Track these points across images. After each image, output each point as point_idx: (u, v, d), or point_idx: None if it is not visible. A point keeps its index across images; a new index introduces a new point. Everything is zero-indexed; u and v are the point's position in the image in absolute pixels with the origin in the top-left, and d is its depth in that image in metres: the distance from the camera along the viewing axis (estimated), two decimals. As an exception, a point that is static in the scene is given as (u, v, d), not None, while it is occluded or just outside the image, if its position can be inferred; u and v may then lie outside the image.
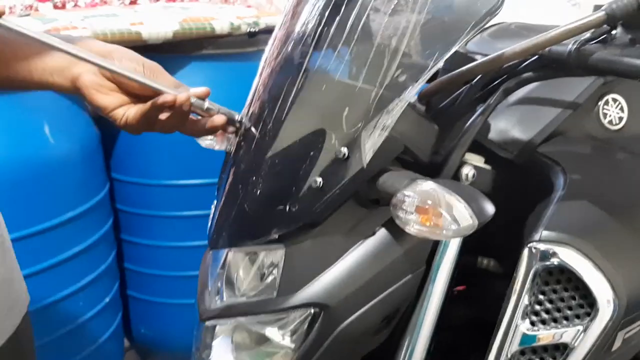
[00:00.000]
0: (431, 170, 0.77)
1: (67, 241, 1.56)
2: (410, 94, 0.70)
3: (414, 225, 0.65)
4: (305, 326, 0.74)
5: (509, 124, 0.89)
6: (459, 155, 0.77)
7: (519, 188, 0.86)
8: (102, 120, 1.71)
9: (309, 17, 0.78)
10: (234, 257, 0.80)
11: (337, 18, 0.74)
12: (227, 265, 0.81)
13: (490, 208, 0.64)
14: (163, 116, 0.79)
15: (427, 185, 0.65)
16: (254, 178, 0.76)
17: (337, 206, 0.73)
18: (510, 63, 0.78)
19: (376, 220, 0.76)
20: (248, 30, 1.30)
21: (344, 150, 0.71)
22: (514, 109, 0.90)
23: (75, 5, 1.95)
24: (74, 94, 0.80)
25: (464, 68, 0.76)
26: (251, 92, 0.87)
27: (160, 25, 1.63)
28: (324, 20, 0.75)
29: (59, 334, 1.57)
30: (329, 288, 0.74)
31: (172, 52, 1.69)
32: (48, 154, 1.49)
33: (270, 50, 0.88)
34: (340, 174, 0.71)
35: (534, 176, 0.88)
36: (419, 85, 0.70)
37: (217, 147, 0.88)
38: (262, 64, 0.89)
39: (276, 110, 0.76)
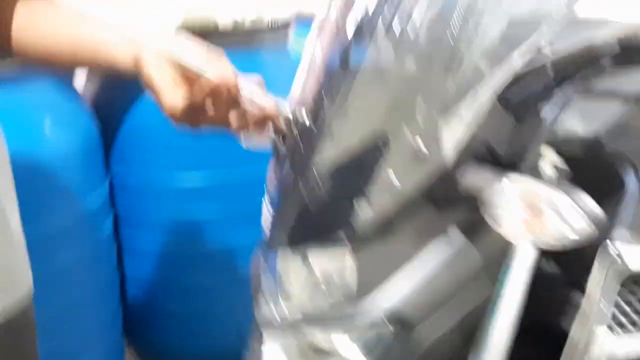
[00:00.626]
0: (506, 165, 0.69)
1: (67, 242, 1.45)
2: (494, 82, 0.62)
3: (515, 229, 0.57)
4: (380, 340, 0.65)
5: (570, 116, 0.81)
6: (537, 149, 0.69)
7: (581, 184, 0.79)
8: (101, 114, 1.61)
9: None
10: (289, 259, 0.71)
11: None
12: (281, 269, 0.71)
13: (599, 211, 0.56)
14: (210, 107, 0.71)
15: (531, 184, 0.57)
16: (317, 175, 0.67)
17: (411, 204, 0.65)
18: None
19: (449, 219, 0.68)
20: (270, 23, 1.21)
21: (420, 143, 0.62)
22: (575, 100, 0.82)
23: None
24: (129, 69, 0.74)
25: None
26: (299, 85, 0.79)
27: (161, 19, 1.53)
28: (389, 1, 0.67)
29: (58, 341, 1.46)
30: (406, 299, 0.65)
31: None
32: (48, 149, 1.39)
33: (317, 39, 0.79)
34: (417, 169, 0.63)
35: (599, 171, 0.80)
36: (504, 72, 0.61)
37: (259, 144, 0.79)
38: (308, 55, 0.80)
39: (337, 103, 0.67)
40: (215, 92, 0.69)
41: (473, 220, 0.69)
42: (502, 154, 0.67)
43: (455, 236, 0.68)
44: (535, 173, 0.68)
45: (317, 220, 0.67)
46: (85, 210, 1.49)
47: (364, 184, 0.64)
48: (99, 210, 1.56)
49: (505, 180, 0.58)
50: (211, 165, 1.66)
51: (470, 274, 0.68)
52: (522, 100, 0.70)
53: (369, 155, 0.64)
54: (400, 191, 0.63)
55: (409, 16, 0.65)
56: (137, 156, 1.68)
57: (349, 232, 0.65)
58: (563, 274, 0.83)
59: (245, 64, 1.63)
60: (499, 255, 0.68)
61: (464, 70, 0.62)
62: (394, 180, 0.63)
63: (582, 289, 0.82)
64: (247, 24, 1.65)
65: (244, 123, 0.72)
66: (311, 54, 0.79)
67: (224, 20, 1.60)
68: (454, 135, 0.62)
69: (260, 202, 1.74)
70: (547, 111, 0.69)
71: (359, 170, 0.65)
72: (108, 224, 1.62)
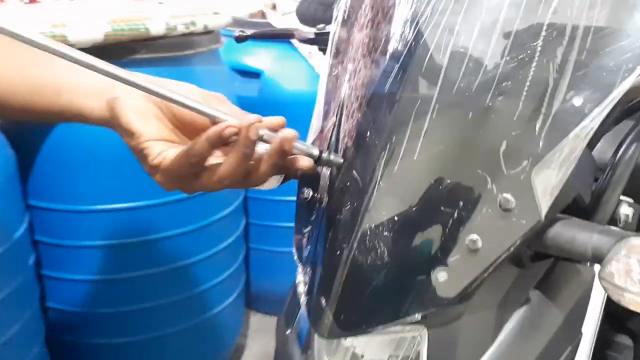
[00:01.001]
0: (587, 213, 0.58)
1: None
2: (593, 122, 0.51)
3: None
4: None
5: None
6: (617, 193, 0.59)
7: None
8: (16, 143, 1.38)
9: (426, 16, 0.56)
10: (334, 342, 0.57)
11: (477, 20, 0.54)
12: (322, 352, 0.58)
13: None
14: (215, 158, 0.56)
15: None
16: (375, 238, 0.54)
17: (494, 270, 0.53)
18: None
19: (530, 281, 0.57)
20: (237, 34, 1.05)
21: (510, 198, 0.51)
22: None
23: (-35, 3, 1.58)
24: (101, 123, 0.60)
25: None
26: (318, 118, 0.65)
27: (88, 26, 1.32)
28: (458, 21, 0.54)
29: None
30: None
31: (100, 57, 1.39)
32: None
33: (338, 64, 0.65)
34: (506, 229, 0.51)
35: None
36: (604, 109, 0.51)
37: (265, 186, 0.65)
38: (328, 81, 0.66)
39: (394, 148, 0.55)
40: (225, 141, 0.54)
41: (552, 276, 0.59)
42: (587, 201, 0.57)
43: (536, 298, 0.57)
44: (616, 218, 0.59)
45: (375, 291, 0.54)
46: (5, 245, 1.28)
47: (440, 248, 0.52)
48: (19, 244, 1.35)
49: (631, 241, 0.47)
50: (135, 189, 1.48)
51: (552, 334, 0.58)
52: (594, 136, 0.60)
53: (444, 212, 0.52)
54: (484, 256, 0.51)
55: (485, 38, 0.53)
56: (57, 184, 1.47)
57: (423, 305, 0.53)
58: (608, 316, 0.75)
59: (177, 71, 1.48)
60: (577, 309, 0.59)
61: (555, 109, 0.51)
62: (478, 244, 0.51)
63: (627, 332, 0.74)
64: (180, 29, 1.47)
65: (260, 175, 0.58)
66: (330, 81, 0.66)
67: (156, 25, 1.42)
68: (547, 187, 0.51)
69: (191, 223, 1.58)
70: (627, 145, 0.59)
71: (431, 230, 0.53)
72: (30, 258, 1.41)
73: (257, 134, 0.54)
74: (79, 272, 1.53)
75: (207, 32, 1.54)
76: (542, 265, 0.58)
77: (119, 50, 1.39)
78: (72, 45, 1.29)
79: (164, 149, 0.57)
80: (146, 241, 1.54)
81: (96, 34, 1.33)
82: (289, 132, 0.56)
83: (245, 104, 1.65)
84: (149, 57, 1.45)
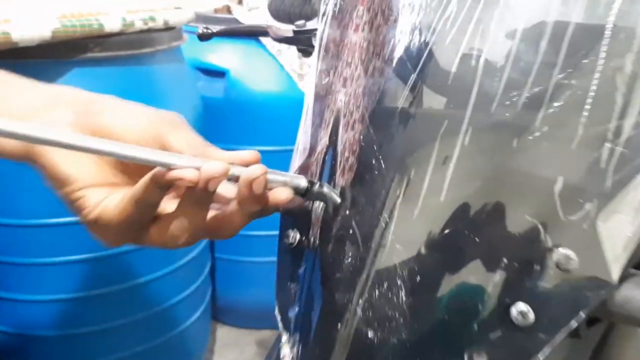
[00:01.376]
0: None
1: None
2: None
3: None
4: None
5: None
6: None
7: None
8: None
9: (450, 13, 0.42)
10: None
11: (519, 21, 0.40)
12: None
13: None
14: (169, 205, 0.43)
15: None
16: (388, 305, 0.40)
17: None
18: None
19: (584, 353, 0.44)
20: (201, 31, 0.90)
21: (570, 254, 0.37)
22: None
23: None
24: (16, 159, 0.45)
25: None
26: (307, 137, 0.50)
27: (34, 22, 1.16)
28: (492, 22, 0.41)
29: None
30: None
31: (48, 56, 1.23)
32: None
33: (331, 69, 0.51)
34: (566, 296, 0.38)
35: None
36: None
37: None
38: (316, 90, 0.52)
39: (412, 183, 0.40)
40: (186, 189, 0.41)
41: (608, 344, 0.45)
42: None
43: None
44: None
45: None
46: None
47: (477, 322, 0.38)
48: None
49: None
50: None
51: None
52: None
53: (481, 272, 0.38)
54: (536, 332, 0.38)
55: (531, 43, 0.39)
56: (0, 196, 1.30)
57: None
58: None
59: (135, 71, 1.32)
60: None
61: (627, 135, 0.37)
62: (529, 317, 0.37)
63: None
64: (138, 25, 1.31)
65: (236, 228, 0.44)
66: (320, 90, 0.51)
67: (110, 21, 1.26)
68: (619, 239, 0.37)
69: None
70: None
71: (465, 296, 0.39)
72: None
73: (217, 183, 0.40)
74: (29, 292, 1.37)
75: (167, 28, 1.38)
76: (596, 331, 0.45)
77: (68, 49, 1.23)
78: (15, 43, 1.13)
79: (102, 198, 0.42)
80: (104, 257, 1.38)
81: (43, 31, 1.16)
82: (255, 170, 0.41)
83: (210, 105, 1.50)
84: (103, 56, 1.29)
